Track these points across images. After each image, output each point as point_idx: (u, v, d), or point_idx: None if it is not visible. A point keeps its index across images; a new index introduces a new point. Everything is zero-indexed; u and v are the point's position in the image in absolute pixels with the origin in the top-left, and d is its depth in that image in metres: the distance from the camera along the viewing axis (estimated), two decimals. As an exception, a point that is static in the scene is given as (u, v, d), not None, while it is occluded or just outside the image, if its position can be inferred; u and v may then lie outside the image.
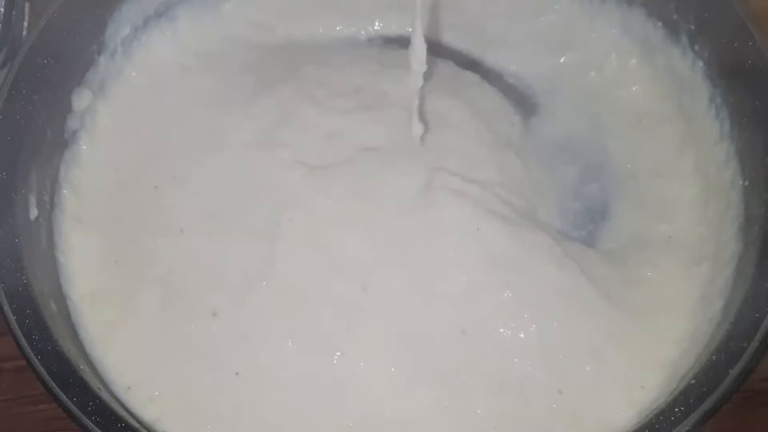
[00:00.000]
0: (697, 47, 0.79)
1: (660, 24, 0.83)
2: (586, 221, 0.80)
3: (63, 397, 0.60)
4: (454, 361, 0.69)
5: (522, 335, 0.70)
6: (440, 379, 0.69)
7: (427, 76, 0.83)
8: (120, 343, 0.71)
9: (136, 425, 0.62)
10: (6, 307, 0.64)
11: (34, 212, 0.72)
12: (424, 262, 0.72)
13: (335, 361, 0.69)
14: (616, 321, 0.72)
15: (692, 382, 0.61)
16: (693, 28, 0.79)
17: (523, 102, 0.85)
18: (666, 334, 0.71)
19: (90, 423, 0.60)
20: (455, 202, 0.74)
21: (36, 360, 0.61)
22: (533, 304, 0.71)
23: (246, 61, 0.87)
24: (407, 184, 0.76)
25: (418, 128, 0.77)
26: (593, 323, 0.71)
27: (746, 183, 0.72)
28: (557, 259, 0.73)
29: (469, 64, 0.88)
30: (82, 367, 0.63)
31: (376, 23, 0.91)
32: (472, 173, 0.77)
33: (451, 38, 0.88)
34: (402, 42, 0.90)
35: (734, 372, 0.60)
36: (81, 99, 0.80)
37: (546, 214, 0.79)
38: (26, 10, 0.80)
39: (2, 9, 0.77)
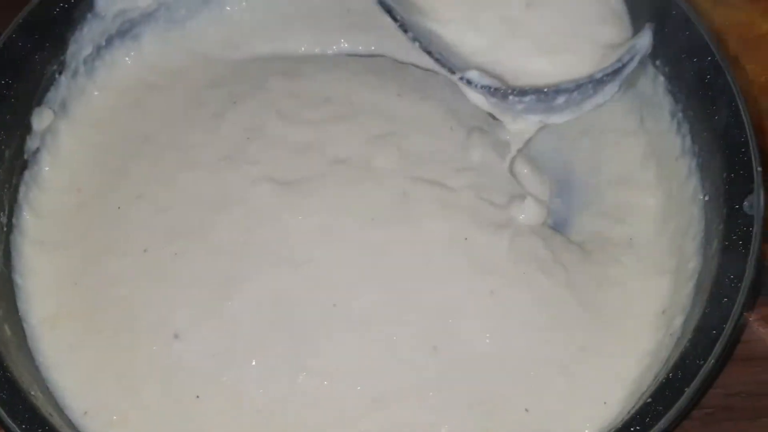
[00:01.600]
0: (658, 62, 0.79)
1: (621, 39, 0.83)
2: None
3: (12, 425, 0.59)
4: (422, 379, 0.69)
5: (496, 350, 0.69)
6: (406, 398, 0.68)
7: (396, 80, 0.82)
8: (78, 367, 0.70)
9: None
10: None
11: (-10, 235, 0.72)
12: (401, 277, 0.72)
13: (300, 380, 0.69)
14: (590, 331, 0.71)
15: (648, 400, 0.61)
16: (654, 43, 0.79)
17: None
18: (630, 348, 0.71)
19: (40, 450, 0.59)
20: (440, 214, 0.74)
21: (-16, 387, 0.61)
22: (513, 314, 0.70)
23: (212, 76, 0.86)
24: (381, 197, 0.75)
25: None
26: (569, 334, 0.71)
27: (706, 198, 0.72)
28: (545, 265, 0.73)
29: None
30: (33, 393, 0.62)
31: (342, 41, 0.90)
32: (453, 179, 0.76)
33: (414, 56, 0.87)
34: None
35: (690, 391, 0.60)
36: (41, 119, 0.79)
37: None
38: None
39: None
